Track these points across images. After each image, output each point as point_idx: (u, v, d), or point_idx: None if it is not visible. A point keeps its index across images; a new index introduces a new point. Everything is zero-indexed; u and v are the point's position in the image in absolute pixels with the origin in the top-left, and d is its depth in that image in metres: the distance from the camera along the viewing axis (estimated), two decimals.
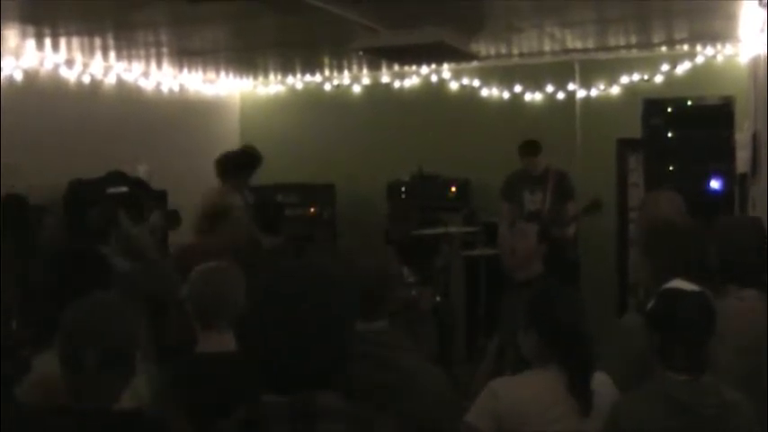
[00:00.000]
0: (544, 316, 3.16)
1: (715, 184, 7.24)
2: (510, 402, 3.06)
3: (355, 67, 9.81)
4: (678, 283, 3.02)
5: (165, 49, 8.15)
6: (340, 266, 2.91)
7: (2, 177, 7.13)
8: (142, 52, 8.21)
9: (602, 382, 3.20)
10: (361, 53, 7.87)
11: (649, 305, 3.02)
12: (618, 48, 8.69)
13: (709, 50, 8.66)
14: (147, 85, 9.28)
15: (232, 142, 10.57)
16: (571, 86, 9.30)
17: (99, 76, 8.59)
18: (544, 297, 3.25)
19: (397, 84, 10.09)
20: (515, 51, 8.79)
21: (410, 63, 9.19)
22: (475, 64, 9.19)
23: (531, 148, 8.13)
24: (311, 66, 9.72)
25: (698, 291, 2.97)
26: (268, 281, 2.15)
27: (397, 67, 9.69)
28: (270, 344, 2.06)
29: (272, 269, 2.20)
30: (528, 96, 9.51)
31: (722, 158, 7.30)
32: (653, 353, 2.96)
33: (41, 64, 7.93)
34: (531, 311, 3.20)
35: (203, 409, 2.64)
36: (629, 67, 9.06)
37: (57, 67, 8.09)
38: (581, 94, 9.28)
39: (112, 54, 8.22)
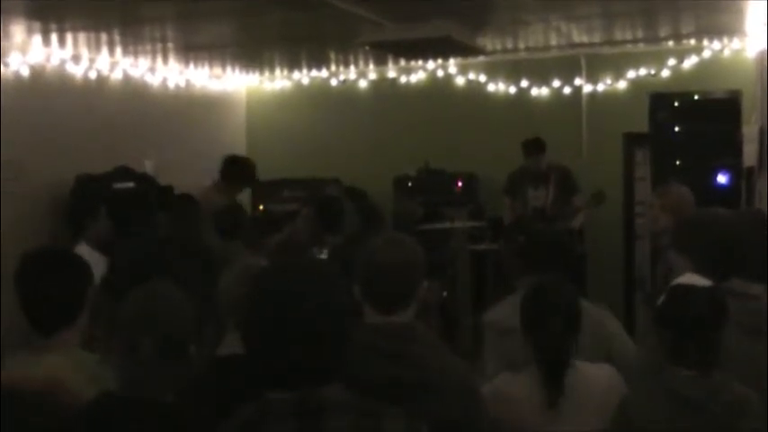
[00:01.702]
0: (529, 317, 3.20)
1: (722, 178, 7.22)
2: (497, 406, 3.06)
3: (361, 62, 9.80)
4: (689, 278, 3.00)
5: (171, 45, 8.16)
6: (360, 258, 2.87)
7: (5, 173, 7.15)
8: (148, 48, 8.21)
9: (609, 376, 3.20)
10: (367, 48, 7.86)
11: (659, 301, 3.01)
12: (624, 42, 8.68)
13: (716, 45, 8.63)
14: (154, 80, 9.27)
15: (238, 138, 10.60)
16: (577, 81, 9.28)
17: (105, 71, 8.59)
18: (531, 298, 3.27)
19: (403, 79, 10.07)
20: (522, 46, 8.78)
21: (416, 58, 9.19)
22: (481, 59, 9.17)
23: (535, 145, 8.15)
24: (317, 61, 9.72)
25: (708, 286, 2.95)
26: (268, 278, 2.15)
27: (403, 62, 9.68)
28: (271, 340, 2.06)
29: (272, 267, 2.21)
30: (534, 91, 9.50)
31: (729, 153, 7.29)
32: (663, 349, 2.95)
33: (48, 60, 7.94)
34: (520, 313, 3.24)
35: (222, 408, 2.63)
36: (635, 61, 9.04)
37: (63, 62, 8.09)
38: (587, 88, 9.26)
39: (119, 50, 8.22)
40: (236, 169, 7.60)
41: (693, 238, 3.70)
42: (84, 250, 5.53)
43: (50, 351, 2.94)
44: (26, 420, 2.64)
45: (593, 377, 3.17)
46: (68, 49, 7.97)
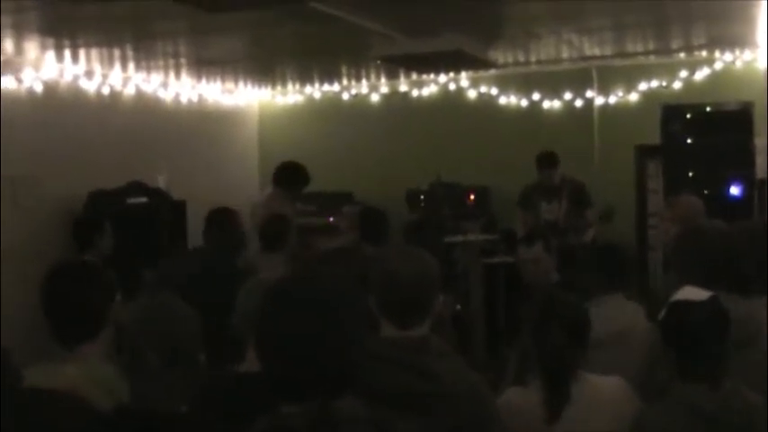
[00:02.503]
0: (535, 326, 3.20)
1: (734, 189, 7.22)
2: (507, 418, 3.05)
3: (373, 76, 9.82)
4: (687, 293, 2.99)
5: (183, 60, 8.19)
6: (377, 271, 2.87)
7: (14, 188, 7.20)
8: (161, 63, 8.25)
9: (620, 388, 3.19)
10: (379, 62, 7.89)
11: (660, 316, 3.00)
12: (636, 54, 8.66)
13: (728, 56, 8.61)
14: (166, 95, 9.31)
15: (251, 152, 10.63)
16: (589, 93, 9.28)
17: (118, 87, 8.63)
18: (537, 311, 3.28)
19: (415, 92, 10.09)
20: (533, 59, 8.78)
21: (428, 71, 9.19)
22: (493, 72, 9.18)
23: (548, 160, 8.13)
24: (329, 75, 9.74)
25: (706, 299, 2.94)
26: (283, 290, 2.15)
27: (415, 76, 9.69)
28: (286, 353, 2.06)
29: (287, 279, 2.20)
30: (546, 104, 9.50)
31: (741, 164, 7.29)
32: (670, 365, 2.94)
33: (61, 75, 7.98)
34: (528, 327, 3.25)
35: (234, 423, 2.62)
36: (647, 73, 9.03)
37: (76, 78, 8.13)
38: (599, 101, 9.25)
39: (131, 65, 8.27)
40: (292, 174, 7.56)
41: (681, 253, 3.70)
42: None
43: (70, 363, 2.96)
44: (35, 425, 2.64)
45: (603, 389, 3.16)
46: (81, 65, 8.01)
